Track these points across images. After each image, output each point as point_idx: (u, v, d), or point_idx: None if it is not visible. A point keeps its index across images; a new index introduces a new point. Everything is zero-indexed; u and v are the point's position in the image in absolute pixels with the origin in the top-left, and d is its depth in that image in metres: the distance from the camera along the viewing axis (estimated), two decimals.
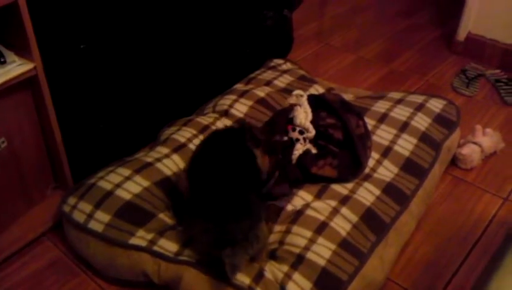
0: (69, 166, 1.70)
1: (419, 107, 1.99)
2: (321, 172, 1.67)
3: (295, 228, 1.52)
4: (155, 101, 1.98)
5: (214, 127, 1.88)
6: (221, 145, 1.56)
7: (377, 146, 1.82)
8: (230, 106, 1.99)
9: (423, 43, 2.85)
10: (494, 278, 0.99)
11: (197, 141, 1.80)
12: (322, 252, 1.45)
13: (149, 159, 1.71)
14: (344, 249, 1.48)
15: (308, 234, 1.49)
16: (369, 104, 2.01)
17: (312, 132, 1.75)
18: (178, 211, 1.60)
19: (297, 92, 1.84)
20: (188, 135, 1.84)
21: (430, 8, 3.23)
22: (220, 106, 2.02)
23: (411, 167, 1.78)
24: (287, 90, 2.09)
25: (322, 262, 1.43)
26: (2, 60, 1.41)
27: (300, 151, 1.72)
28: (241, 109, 1.97)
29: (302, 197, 1.64)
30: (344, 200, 1.61)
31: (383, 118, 1.93)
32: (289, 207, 1.61)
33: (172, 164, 1.71)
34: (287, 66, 2.35)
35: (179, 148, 1.79)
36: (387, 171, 1.75)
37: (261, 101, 2.01)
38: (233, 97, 2.04)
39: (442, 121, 1.97)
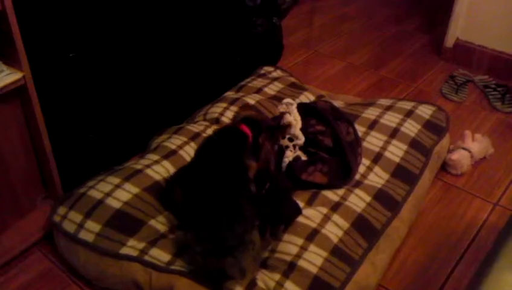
0: (59, 175, 1.69)
1: (409, 114, 2.00)
2: (311, 178, 1.68)
3: (286, 236, 1.52)
4: (145, 110, 1.97)
5: (204, 135, 1.88)
6: (213, 155, 1.57)
7: (367, 152, 1.83)
8: (221, 114, 1.99)
9: (412, 50, 2.87)
10: (488, 277, 1.00)
11: (188, 148, 1.80)
12: (314, 259, 1.45)
13: (139, 167, 1.70)
14: (336, 256, 1.48)
15: (300, 241, 1.49)
16: (359, 110, 2.02)
17: (301, 139, 1.76)
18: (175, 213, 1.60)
19: (287, 100, 1.85)
20: (178, 143, 1.83)
21: (418, 15, 3.26)
22: (211, 114, 2.01)
23: (401, 173, 1.78)
24: (278, 98, 2.09)
25: (313, 269, 1.43)
26: None
27: (290, 158, 1.72)
28: (231, 117, 1.97)
29: None
30: (335, 207, 1.61)
31: (373, 125, 1.93)
32: None
33: (163, 170, 1.71)
34: (277, 73, 2.36)
35: (170, 155, 1.78)
36: (378, 178, 1.76)
37: (251, 109, 2.01)
38: (224, 105, 2.04)
39: (431, 127, 1.98)
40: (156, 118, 2.01)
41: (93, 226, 1.53)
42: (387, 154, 1.83)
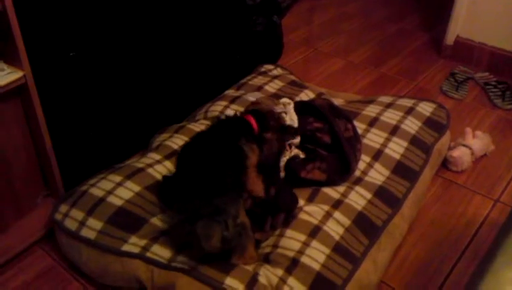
0: (60, 174, 1.69)
1: (409, 111, 2.00)
2: (310, 176, 1.68)
3: (289, 232, 1.52)
4: (146, 108, 1.98)
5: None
6: (209, 138, 1.59)
7: (368, 150, 1.83)
8: (222, 112, 1.99)
9: (412, 48, 2.87)
10: (488, 273, 1.00)
11: None
12: (317, 256, 1.45)
13: (140, 165, 1.71)
14: (338, 253, 1.48)
15: (302, 237, 1.49)
16: (360, 108, 2.02)
17: (297, 138, 1.76)
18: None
19: (283, 100, 1.85)
20: (180, 142, 1.83)
21: (418, 12, 3.26)
22: (212, 112, 2.02)
23: (402, 170, 1.79)
24: (278, 96, 2.10)
25: (316, 266, 1.43)
26: None
27: (288, 157, 1.72)
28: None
29: None
30: (336, 204, 1.62)
31: (373, 122, 1.94)
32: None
33: (164, 170, 1.71)
34: (278, 71, 2.36)
35: (171, 155, 1.78)
36: (378, 175, 1.76)
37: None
38: (225, 103, 2.04)
39: (432, 124, 1.98)
40: (156, 116, 2.01)
41: (95, 223, 1.54)
42: (387, 151, 1.83)
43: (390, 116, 1.96)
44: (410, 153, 1.84)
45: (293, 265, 1.43)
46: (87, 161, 1.79)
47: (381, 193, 1.69)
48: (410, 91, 2.49)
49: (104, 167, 1.74)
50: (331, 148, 1.76)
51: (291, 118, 1.78)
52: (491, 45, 2.60)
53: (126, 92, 1.87)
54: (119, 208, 1.56)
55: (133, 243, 1.50)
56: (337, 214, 1.58)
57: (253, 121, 1.63)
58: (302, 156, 1.75)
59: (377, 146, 1.85)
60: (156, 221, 1.57)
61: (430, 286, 1.57)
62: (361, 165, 1.78)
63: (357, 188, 1.69)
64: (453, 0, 2.61)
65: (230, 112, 1.98)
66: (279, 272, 1.42)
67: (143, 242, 1.50)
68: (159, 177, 1.68)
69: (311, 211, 1.58)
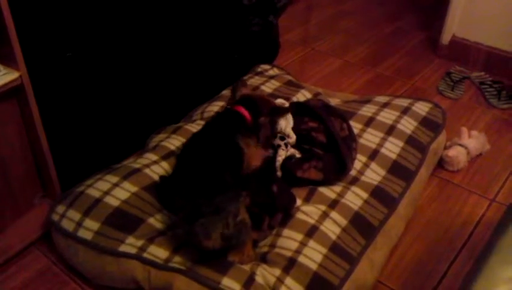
0: (57, 174, 1.69)
1: (405, 111, 2.00)
2: (306, 175, 1.68)
3: (286, 231, 1.52)
4: (142, 108, 1.97)
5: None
6: (206, 138, 1.59)
7: (364, 149, 1.83)
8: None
9: (408, 47, 2.88)
10: (482, 272, 1.01)
11: None
12: (314, 256, 1.46)
13: (137, 166, 1.71)
14: (335, 253, 1.48)
15: (299, 237, 1.50)
16: (356, 108, 2.03)
17: (293, 138, 1.75)
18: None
19: (279, 100, 1.84)
20: (177, 143, 1.83)
21: (414, 12, 3.26)
22: (208, 113, 2.02)
23: (398, 170, 1.79)
24: (275, 96, 2.10)
25: (313, 266, 1.43)
26: None
27: (283, 157, 1.72)
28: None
29: None
30: (333, 204, 1.62)
31: (369, 122, 1.94)
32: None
33: (161, 170, 1.71)
34: (274, 71, 2.36)
35: (168, 155, 1.78)
36: (374, 174, 1.76)
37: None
38: (221, 103, 2.04)
39: (428, 123, 1.99)
40: (153, 117, 2.01)
41: (91, 224, 1.54)
42: (383, 151, 1.83)
43: (387, 116, 1.97)
44: (406, 153, 1.85)
45: (290, 265, 1.43)
46: (84, 162, 1.79)
47: (377, 192, 1.69)
48: (407, 91, 2.50)
49: (100, 168, 1.74)
50: (327, 147, 1.76)
51: (287, 118, 1.78)
52: (487, 44, 2.61)
53: (123, 92, 1.87)
54: (116, 208, 1.56)
55: (130, 244, 1.50)
56: (333, 214, 1.59)
57: (245, 112, 1.62)
58: (298, 155, 1.76)
59: (373, 146, 1.85)
60: (153, 221, 1.57)
61: (427, 285, 1.58)
62: (357, 165, 1.78)
63: (354, 188, 1.69)
64: None
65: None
66: (277, 271, 1.43)
67: (140, 243, 1.50)
68: (155, 177, 1.68)
69: (308, 211, 1.58)
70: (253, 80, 2.25)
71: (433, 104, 2.11)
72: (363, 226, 1.59)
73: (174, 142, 1.83)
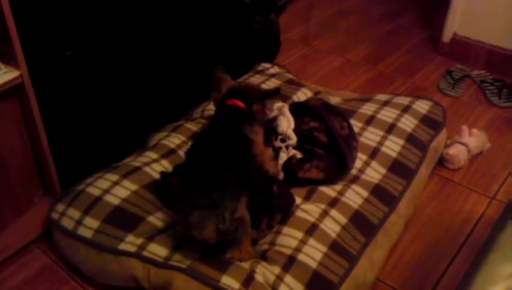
0: (57, 173, 1.69)
1: (406, 109, 2.00)
2: (308, 175, 1.68)
3: (286, 229, 1.53)
4: (142, 107, 1.98)
5: None
6: (218, 129, 1.59)
7: (364, 148, 1.83)
8: None
9: (409, 45, 2.88)
10: (482, 269, 1.01)
11: (186, 148, 1.81)
12: (313, 254, 1.46)
13: (137, 164, 1.71)
14: (334, 251, 1.48)
15: (299, 235, 1.50)
16: (356, 106, 2.03)
17: (293, 139, 1.75)
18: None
19: (278, 104, 1.82)
20: (177, 142, 1.84)
21: (415, 10, 3.26)
22: (208, 111, 2.02)
23: (398, 168, 1.79)
24: None
25: (313, 264, 1.43)
26: None
27: (285, 159, 1.72)
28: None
29: None
30: (333, 203, 1.62)
31: (370, 120, 1.94)
32: None
33: (161, 169, 1.71)
34: (275, 69, 2.36)
35: (168, 154, 1.78)
36: (375, 173, 1.76)
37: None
38: None
39: (428, 122, 1.99)
40: (153, 115, 2.01)
41: (91, 222, 1.54)
42: (384, 149, 1.83)
43: (387, 115, 1.97)
44: (407, 151, 1.85)
45: (289, 263, 1.43)
46: (84, 160, 1.79)
47: (377, 191, 1.69)
48: (407, 89, 2.50)
49: (101, 166, 1.74)
50: (328, 147, 1.76)
51: (288, 120, 1.78)
52: (488, 42, 2.61)
53: (123, 91, 1.87)
54: (116, 207, 1.56)
55: (130, 242, 1.50)
56: (333, 212, 1.59)
57: (240, 103, 1.62)
58: (299, 156, 1.75)
59: (374, 144, 1.85)
60: (153, 220, 1.57)
61: (427, 284, 1.58)
62: (358, 164, 1.78)
63: (354, 186, 1.69)
64: None
65: None
66: (276, 269, 1.43)
67: (140, 241, 1.50)
68: (155, 176, 1.68)
69: (308, 209, 1.58)
70: (254, 79, 2.25)
71: (434, 102, 2.11)
72: (363, 225, 1.59)
73: (175, 141, 1.84)
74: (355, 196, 1.66)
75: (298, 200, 1.63)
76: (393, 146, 1.85)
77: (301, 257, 1.45)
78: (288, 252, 1.46)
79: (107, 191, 1.60)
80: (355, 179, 1.73)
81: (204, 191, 1.37)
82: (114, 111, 1.87)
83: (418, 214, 1.81)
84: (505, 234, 1.09)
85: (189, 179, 1.45)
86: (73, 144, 1.76)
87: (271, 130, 1.77)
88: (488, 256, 1.04)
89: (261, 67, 2.36)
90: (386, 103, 2.04)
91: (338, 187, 1.69)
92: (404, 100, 2.06)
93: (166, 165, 1.74)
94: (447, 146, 2.03)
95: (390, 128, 1.90)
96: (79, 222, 1.55)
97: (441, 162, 2.02)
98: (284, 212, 1.56)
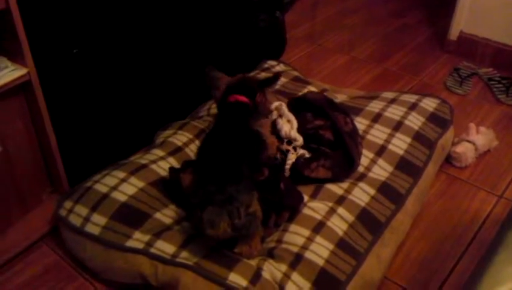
0: (65, 170, 1.70)
1: (413, 107, 2.00)
2: (315, 174, 1.68)
3: (293, 227, 1.53)
4: (149, 104, 1.98)
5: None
6: (228, 127, 1.58)
7: (371, 145, 1.83)
8: None
9: (416, 43, 2.87)
10: (489, 269, 1.00)
11: (193, 146, 1.81)
12: (320, 251, 1.46)
13: (144, 161, 1.71)
14: (341, 248, 1.48)
15: (306, 232, 1.50)
16: (363, 104, 2.02)
17: (299, 140, 1.73)
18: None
19: (275, 104, 1.80)
20: (184, 139, 1.84)
21: (421, 8, 3.25)
22: (214, 109, 2.01)
23: (405, 166, 1.79)
24: (281, 92, 2.10)
25: (320, 262, 1.43)
26: None
27: (293, 160, 1.70)
28: None
29: None
30: (340, 200, 1.62)
31: (376, 118, 1.94)
32: None
33: (168, 166, 1.71)
34: (281, 67, 2.36)
35: (175, 151, 1.79)
36: (382, 171, 1.76)
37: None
38: None
39: (435, 119, 1.98)
40: (160, 113, 2.01)
41: (99, 219, 1.54)
42: (391, 147, 1.83)
43: (394, 112, 1.96)
44: (414, 149, 1.84)
45: (296, 260, 1.43)
46: (92, 158, 1.79)
47: (384, 188, 1.69)
48: (414, 87, 2.49)
49: (108, 164, 1.75)
50: (334, 145, 1.76)
51: (289, 119, 1.76)
52: (495, 40, 2.60)
53: (130, 88, 1.88)
54: (123, 203, 1.57)
55: (137, 239, 1.51)
56: (340, 210, 1.59)
57: (244, 98, 1.61)
58: (307, 155, 1.74)
59: (380, 142, 1.85)
60: (160, 217, 1.57)
61: (434, 282, 1.57)
62: (364, 161, 1.78)
63: (361, 184, 1.69)
64: None
65: None
66: (283, 267, 1.43)
67: (147, 238, 1.51)
68: (162, 173, 1.68)
69: (315, 207, 1.58)
70: (260, 76, 2.25)
71: (441, 100, 2.10)
72: (370, 222, 1.58)
73: (181, 138, 1.84)
74: (362, 194, 1.66)
75: (305, 197, 1.63)
76: (400, 144, 1.84)
77: (308, 254, 1.45)
78: (295, 249, 1.46)
79: (114, 188, 1.60)
80: (362, 177, 1.73)
81: (220, 186, 1.36)
82: (121, 109, 1.87)
83: (425, 212, 1.80)
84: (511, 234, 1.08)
85: (204, 175, 1.44)
86: (81, 141, 1.76)
87: (274, 133, 1.75)
88: (496, 255, 1.03)
89: (267, 65, 2.36)
90: (392, 101, 2.03)
91: (345, 185, 1.68)
92: (411, 98, 2.06)
93: (173, 163, 1.74)
94: (454, 144, 2.02)
95: (397, 126, 1.90)
96: (87, 219, 1.55)
97: (448, 160, 2.01)
98: (292, 210, 1.56)
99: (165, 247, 1.48)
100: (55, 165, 1.67)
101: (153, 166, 1.70)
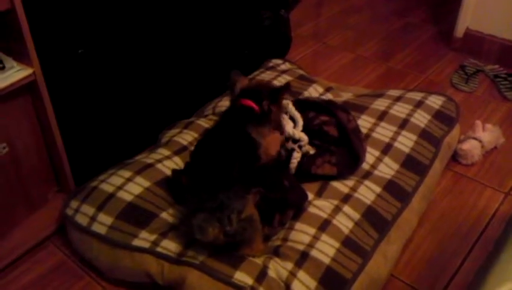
0: (71, 170, 1.70)
1: (419, 104, 1.99)
2: (321, 171, 1.67)
3: (298, 225, 1.52)
4: (154, 103, 1.98)
5: None
6: (223, 129, 1.58)
7: (377, 143, 1.82)
8: None
9: (421, 40, 2.86)
10: (495, 266, 1.00)
11: None
12: (326, 249, 1.46)
13: (150, 161, 1.72)
14: (347, 247, 1.48)
15: (312, 231, 1.50)
16: (369, 102, 2.02)
17: (304, 139, 1.71)
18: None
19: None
20: (189, 138, 1.84)
21: (427, 5, 3.24)
22: (220, 108, 2.02)
23: (412, 164, 1.78)
24: None
25: (326, 260, 1.43)
26: (1, 65, 1.41)
27: (299, 159, 1.69)
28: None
29: None
30: (345, 198, 1.62)
31: (382, 116, 1.93)
32: None
33: (173, 165, 1.72)
34: (286, 66, 2.36)
35: (181, 150, 1.79)
36: (387, 168, 1.75)
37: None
38: None
39: (441, 117, 1.97)
40: (165, 112, 2.02)
41: (105, 218, 1.55)
42: (397, 145, 1.82)
43: (400, 110, 1.96)
44: (420, 147, 1.83)
45: (302, 259, 1.43)
46: (97, 157, 1.80)
47: (390, 186, 1.69)
48: (420, 84, 2.48)
49: (114, 163, 1.75)
50: (339, 141, 1.75)
51: (295, 117, 1.76)
52: (501, 37, 2.58)
53: (135, 88, 1.88)
54: (129, 203, 1.57)
55: (143, 238, 1.51)
56: (346, 208, 1.58)
57: (251, 103, 1.59)
58: (312, 152, 1.73)
59: (386, 140, 1.84)
60: (166, 216, 1.58)
61: (440, 280, 1.57)
62: (370, 159, 1.77)
63: (367, 182, 1.69)
64: None
65: None
66: (289, 265, 1.43)
67: (153, 237, 1.51)
68: (168, 172, 1.68)
69: (320, 205, 1.58)
70: (265, 75, 2.25)
71: (447, 97, 2.09)
72: (376, 220, 1.58)
73: (186, 137, 1.84)
74: (368, 192, 1.65)
75: (310, 196, 1.63)
76: (406, 142, 1.84)
77: (314, 252, 1.45)
78: (301, 248, 1.46)
79: (120, 188, 1.61)
80: (367, 175, 1.72)
81: (211, 193, 1.36)
82: (126, 108, 1.87)
83: (432, 209, 1.79)
84: None
85: (195, 181, 1.44)
86: (87, 141, 1.77)
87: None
88: (502, 253, 1.03)
89: (272, 64, 2.36)
90: (398, 99, 2.02)
91: (350, 183, 1.68)
92: (417, 95, 2.05)
93: (178, 162, 1.74)
94: (460, 141, 2.02)
95: (403, 124, 1.89)
96: (93, 218, 1.56)
97: (455, 157, 2.01)
98: (297, 208, 1.56)
99: (171, 246, 1.49)
100: (61, 164, 1.67)
101: (159, 165, 1.70)
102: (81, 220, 1.57)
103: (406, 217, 1.64)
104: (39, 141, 1.63)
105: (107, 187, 1.62)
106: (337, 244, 1.47)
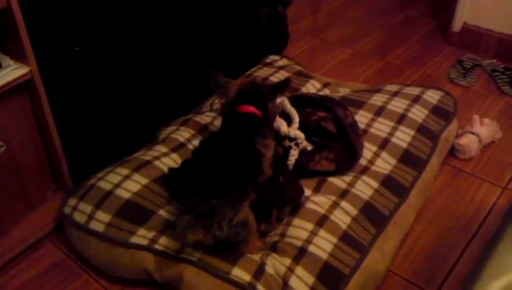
0: (68, 168, 1.71)
1: (416, 99, 1.99)
2: (318, 167, 1.67)
3: (296, 221, 1.53)
4: (152, 101, 1.98)
5: (212, 127, 1.88)
6: (232, 140, 1.50)
7: (374, 138, 1.82)
8: None
9: (419, 35, 2.85)
10: (492, 258, 1.00)
11: (196, 142, 1.81)
12: (324, 245, 1.46)
13: (147, 158, 1.72)
14: (345, 242, 1.49)
15: (310, 226, 1.50)
16: (366, 97, 2.02)
17: (301, 137, 1.69)
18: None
19: (277, 100, 1.71)
20: (187, 135, 1.84)
21: (423, 1, 3.23)
22: (217, 105, 2.02)
23: (409, 159, 1.78)
24: None
25: (324, 255, 1.44)
26: None
27: (296, 156, 1.69)
28: None
29: None
30: (343, 194, 1.62)
31: (380, 111, 1.93)
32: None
33: (171, 162, 1.72)
34: (283, 62, 2.35)
35: (178, 147, 1.79)
36: (385, 164, 1.75)
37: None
38: None
39: (439, 112, 1.97)
40: (162, 109, 2.02)
41: (103, 216, 1.55)
42: (394, 140, 1.82)
43: (397, 105, 1.96)
44: (417, 142, 1.84)
45: (300, 254, 1.44)
46: (95, 155, 1.80)
47: (388, 182, 1.69)
48: (417, 79, 2.48)
49: (111, 161, 1.75)
50: (336, 137, 1.75)
51: (291, 113, 1.74)
52: (499, 31, 2.58)
53: (132, 85, 1.88)
54: (127, 200, 1.58)
55: (141, 235, 1.51)
56: (344, 204, 1.59)
57: (254, 109, 1.52)
58: (309, 148, 1.73)
59: (384, 135, 1.84)
60: (164, 213, 1.58)
61: (438, 274, 1.57)
62: (368, 155, 1.77)
63: (364, 177, 1.69)
64: None
65: None
66: (287, 261, 1.43)
67: (151, 234, 1.51)
68: (166, 169, 1.69)
69: (318, 201, 1.58)
70: (262, 71, 2.25)
71: (444, 92, 2.09)
72: (373, 216, 1.58)
73: (184, 134, 1.84)
74: (365, 187, 1.65)
75: (308, 192, 1.63)
76: (403, 137, 1.84)
77: (312, 248, 1.45)
78: (299, 243, 1.47)
79: (118, 185, 1.61)
80: (365, 170, 1.72)
81: (205, 198, 1.34)
82: (123, 105, 1.87)
83: (429, 204, 1.80)
84: None
85: (192, 182, 1.42)
86: (84, 139, 1.77)
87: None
88: (498, 246, 1.03)
89: (270, 60, 2.36)
90: (396, 94, 2.02)
91: (348, 179, 1.68)
92: (414, 90, 2.05)
93: (176, 159, 1.74)
94: (458, 136, 2.02)
95: (401, 119, 1.89)
96: (91, 216, 1.56)
97: (452, 152, 2.01)
98: (294, 203, 1.56)
99: (169, 243, 1.49)
100: (58, 162, 1.67)
101: (156, 162, 1.70)
102: (79, 218, 1.57)
103: (403, 212, 1.64)
104: (36, 139, 1.63)
105: (104, 185, 1.62)
106: (334, 240, 1.48)
